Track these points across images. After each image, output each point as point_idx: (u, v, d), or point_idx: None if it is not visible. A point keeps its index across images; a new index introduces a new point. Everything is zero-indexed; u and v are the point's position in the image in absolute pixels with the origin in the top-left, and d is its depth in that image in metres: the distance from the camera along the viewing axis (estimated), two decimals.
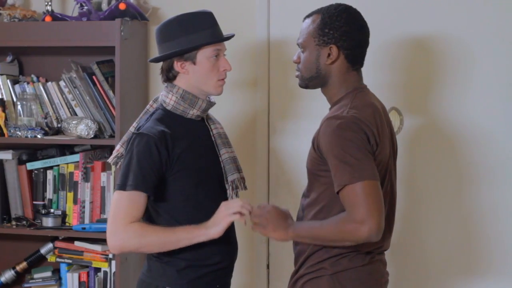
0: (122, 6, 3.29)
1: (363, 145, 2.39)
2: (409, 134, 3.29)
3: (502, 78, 3.21)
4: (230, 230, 2.71)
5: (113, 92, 3.33)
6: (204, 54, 2.66)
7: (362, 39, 2.58)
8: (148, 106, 2.77)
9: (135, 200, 2.56)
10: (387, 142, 2.54)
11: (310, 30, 2.57)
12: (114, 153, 2.78)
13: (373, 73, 3.29)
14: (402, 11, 3.28)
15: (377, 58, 3.26)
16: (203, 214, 2.66)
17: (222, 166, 2.76)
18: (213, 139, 2.78)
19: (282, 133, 3.43)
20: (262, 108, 3.42)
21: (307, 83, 2.62)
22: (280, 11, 3.36)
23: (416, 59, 3.28)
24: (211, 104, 2.74)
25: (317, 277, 2.50)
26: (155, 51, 3.47)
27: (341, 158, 2.38)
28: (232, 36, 2.78)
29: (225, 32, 2.76)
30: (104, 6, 3.40)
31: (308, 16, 2.62)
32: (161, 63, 2.73)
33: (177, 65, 2.67)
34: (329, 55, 2.54)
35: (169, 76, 2.70)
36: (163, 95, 2.71)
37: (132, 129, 2.72)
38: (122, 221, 2.56)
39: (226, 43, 2.75)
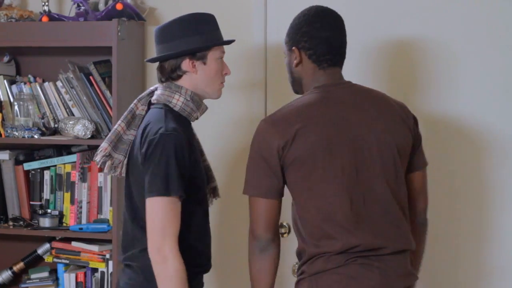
0: (119, 6, 3.29)
1: (256, 155, 2.52)
2: None
3: (490, 77, 3.21)
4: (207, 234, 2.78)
5: (110, 92, 3.33)
6: (214, 55, 2.66)
7: (325, 36, 2.52)
8: (133, 106, 2.70)
9: (178, 205, 2.52)
10: (314, 141, 2.43)
11: (284, 38, 2.60)
12: (101, 152, 2.67)
13: (365, 73, 3.30)
14: (391, 11, 3.28)
15: (370, 58, 3.28)
16: (208, 225, 2.74)
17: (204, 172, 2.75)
18: (199, 145, 2.79)
19: None
20: (259, 111, 3.41)
21: (293, 89, 2.65)
22: (277, 14, 3.35)
23: (404, 60, 3.29)
24: (206, 108, 2.74)
25: (301, 279, 2.52)
26: (152, 51, 3.49)
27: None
28: (234, 40, 2.79)
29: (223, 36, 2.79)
30: (101, 6, 3.40)
31: None
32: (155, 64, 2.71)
33: (188, 64, 2.64)
34: (294, 57, 2.55)
35: (173, 76, 2.66)
36: (165, 95, 2.65)
37: (118, 129, 2.65)
38: (173, 242, 2.50)
39: (227, 55, 2.78)
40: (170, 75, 2.66)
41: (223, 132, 3.46)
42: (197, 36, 2.63)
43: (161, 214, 2.50)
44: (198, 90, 2.67)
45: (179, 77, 2.66)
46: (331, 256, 2.43)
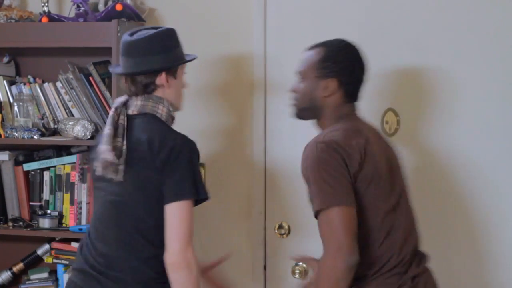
0: (118, 7, 3.29)
1: (338, 167, 2.41)
2: (406, 135, 3.30)
3: (495, 84, 3.22)
4: None
5: (110, 93, 3.33)
6: (181, 70, 2.76)
7: (361, 75, 2.62)
8: (113, 114, 2.69)
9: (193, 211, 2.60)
10: (375, 158, 2.53)
11: (312, 61, 2.60)
12: (108, 159, 2.63)
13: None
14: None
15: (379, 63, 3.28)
16: None
17: None
18: None
19: (279, 162, 3.43)
20: (258, 133, 3.42)
21: (301, 113, 2.66)
22: (277, 24, 3.35)
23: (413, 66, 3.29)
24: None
25: None
26: None
27: (315, 183, 2.42)
28: (196, 57, 2.82)
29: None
30: (101, 7, 3.40)
31: (312, 48, 2.65)
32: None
33: (162, 79, 2.70)
34: (326, 88, 2.56)
35: (148, 90, 2.71)
36: (150, 106, 2.70)
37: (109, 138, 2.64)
38: (192, 245, 2.56)
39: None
40: (145, 88, 2.71)
41: (224, 138, 3.47)
42: (171, 52, 2.71)
43: (190, 218, 2.57)
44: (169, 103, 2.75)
45: (153, 90, 2.72)
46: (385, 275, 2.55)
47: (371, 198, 2.50)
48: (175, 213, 2.56)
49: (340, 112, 2.60)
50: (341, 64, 2.57)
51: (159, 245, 2.59)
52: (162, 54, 2.68)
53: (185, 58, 2.76)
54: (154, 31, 2.71)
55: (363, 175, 2.48)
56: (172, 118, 2.75)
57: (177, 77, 2.74)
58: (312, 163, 2.44)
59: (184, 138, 2.63)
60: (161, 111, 2.70)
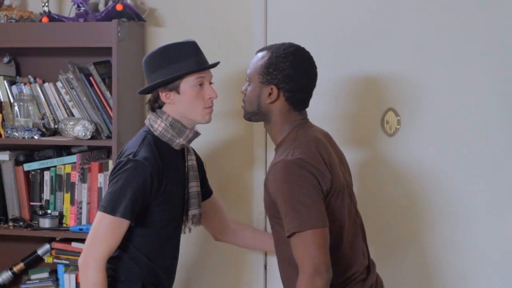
0: (119, 7, 3.29)
1: (311, 187, 2.42)
2: (406, 134, 3.30)
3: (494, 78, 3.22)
4: (173, 259, 2.84)
5: (110, 93, 3.33)
6: (187, 83, 2.70)
7: (307, 83, 2.59)
8: None
9: (120, 227, 2.62)
10: (338, 168, 2.56)
11: (257, 66, 2.60)
12: None
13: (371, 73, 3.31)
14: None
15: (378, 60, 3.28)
16: (168, 248, 2.79)
17: (186, 198, 2.81)
18: (186, 171, 2.80)
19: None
20: (259, 135, 3.42)
21: (250, 116, 2.66)
22: (278, 33, 3.34)
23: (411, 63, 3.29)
24: (197, 134, 2.78)
25: None
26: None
27: (289, 204, 2.41)
28: (216, 64, 2.78)
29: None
30: (101, 7, 3.40)
31: (260, 50, 2.64)
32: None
33: (162, 96, 2.71)
34: (270, 94, 2.56)
35: (155, 106, 2.74)
36: (151, 120, 2.74)
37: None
38: (99, 256, 2.61)
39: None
40: (152, 106, 2.75)
41: (223, 152, 3.47)
42: (166, 68, 2.68)
43: (100, 228, 2.63)
44: (182, 118, 2.73)
45: (161, 107, 2.74)
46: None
47: (338, 210, 2.53)
48: (94, 220, 2.68)
49: (289, 120, 2.58)
50: (284, 72, 2.54)
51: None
52: (156, 71, 2.69)
53: (183, 71, 2.68)
54: (161, 46, 2.73)
55: (333, 190, 2.49)
56: (172, 135, 2.71)
57: (182, 91, 2.70)
58: (284, 184, 2.43)
59: (132, 158, 2.62)
60: (158, 125, 2.71)
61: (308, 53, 2.61)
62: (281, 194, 2.43)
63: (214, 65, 2.77)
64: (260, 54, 2.62)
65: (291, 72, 2.54)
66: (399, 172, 3.31)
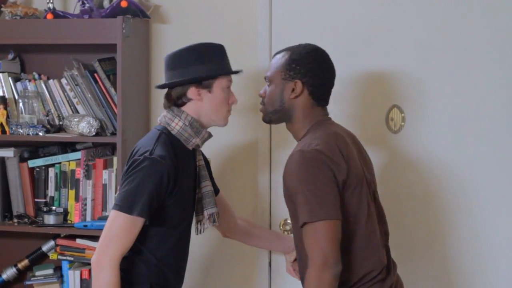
0: (123, 4, 3.29)
1: (325, 179, 2.43)
2: (411, 131, 3.30)
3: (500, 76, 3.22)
4: (182, 261, 2.83)
5: (115, 89, 3.33)
6: (220, 84, 2.72)
7: (328, 78, 2.64)
8: None
9: (135, 226, 2.61)
10: (357, 162, 2.57)
11: (278, 65, 2.63)
12: None
13: (375, 70, 3.30)
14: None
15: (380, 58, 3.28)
16: (178, 249, 2.78)
17: (197, 198, 2.80)
18: (197, 171, 2.80)
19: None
20: (264, 134, 3.42)
21: (270, 116, 2.68)
22: (282, 37, 3.34)
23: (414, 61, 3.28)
24: (210, 136, 2.79)
25: None
26: (157, 49, 3.50)
27: (302, 194, 2.43)
28: (242, 71, 2.83)
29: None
30: (106, 4, 3.40)
31: (278, 52, 2.68)
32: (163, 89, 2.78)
33: (193, 92, 2.70)
34: (293, 89, 2.58)
35: (178, 102, 2.73)
36: (167, 118, 2.73)
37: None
38: (114, 255, 2.59)
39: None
40: (175, 101, 2.73)
41: (228, 153, 3.47)
42: (204, 65, 2.69)
43: (115, 227, 2.61)
44: (202, 117, 2.74)
45: (184, 104, 2.73)
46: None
47: (355, 204, 2.53)
48: (108, 219, 2.65)
49: (311, 116, 2.61)
50: (307, 67, 2.59)
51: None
52: (191, 66, 2.68)
53: (222, 71, 2.71)
54: (190, 45, 2.72)
55: (350, 182, 2.50)
56: (190, 134, 2.71)
57: (213, 91, 2.71)
58: (299, 175, 2.45)
59: (149, 156, 2.61)
60: (175, 124, 2.71)
61: (325, 51, 2.67)
62: (295, 185, 2.46)
63: (241, 71, 2.83)
64: (279, 55, 2.66)
65: (314, 66, 2.59)
66: (403, 169, 3.31)
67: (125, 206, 2.59)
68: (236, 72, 2.78)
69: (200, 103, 2.71)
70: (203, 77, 2.68)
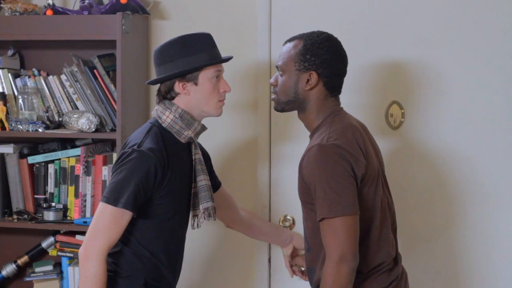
0: (123, 0, 3.29)
1: (344, 174, 2.43)
2: (410, 127, 3.30)
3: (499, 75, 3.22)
4: (177, 255, 2.82)
5: (114, 85, 3.33)
6: (206, 75, 2.70)
7: (341, 68, 2.62)
8: None
9: (122, 218, 2.61)
10: (374, 156, 2.58)
11: (291, 54, 2.60)
12: None
13: (375, 67, 3.30)
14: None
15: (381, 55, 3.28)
16: (172, 243, 2.77)
17: (193, 192, 2.79)
18: (193, 165, 2.80)
19: (284, 156, 3.42)
20: (263, 129, 3.41)
21: (284, 106, 2.66)
22: (282, 32, 3.33)
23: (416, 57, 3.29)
24: (204, 128, 2.78)
25: None
26: (156, 45, 3.46)
27: (321, 189, 2.43)
28: (231, 57, 2.80)
29: (226, 53, 2.80)
30: (105, 0, 3.40)
31: (290, 40, 2.64)
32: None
33: (178, 86, 2.70)
34: (308, 81, 2.57)
35: (167, 97, 2.73)
36: (158, 111, 2.73)
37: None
38: (100, 247, 2.59)
39: (227, 64, 2.78)
40: (165, 96, 2.74)
41: (227, 149, 3.47)
42: (185, 58, 2.68)
43: (102, 219, 2.61)
44: (193, 110, 2.73)
45: (173, 98, 2.73)
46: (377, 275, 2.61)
47: (371, 197, 2.54)
48: (96, 211, 2.65)
49: (325, 107, 2.61)
50: (322, 57, 2.57)
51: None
52: (174, 61, 2.67)
53: (204, 62, 2.68)
54: (175, 37, 2.72)
55: (368, 176, 2.51)
56: (181, 126, 2.71)
57: (200, 82, 2.70)
58: (318, 169, 2.45)
59: (137, 149, 2.62)
60: (166, 117, 2.71)
61: (338, 40, 2.65)
62: (314, 179, 2.45)
63: (230, 58, 2.79)
64: (290, 44, 2.63)
65: (328, 56, 2.57)
66: (403, 165, 3.31)
67: (111, 198, 2.59)
68: (224, 61, 2.75)
69: (187, 96, 2.71)
70: (186, 71, 2.67)
